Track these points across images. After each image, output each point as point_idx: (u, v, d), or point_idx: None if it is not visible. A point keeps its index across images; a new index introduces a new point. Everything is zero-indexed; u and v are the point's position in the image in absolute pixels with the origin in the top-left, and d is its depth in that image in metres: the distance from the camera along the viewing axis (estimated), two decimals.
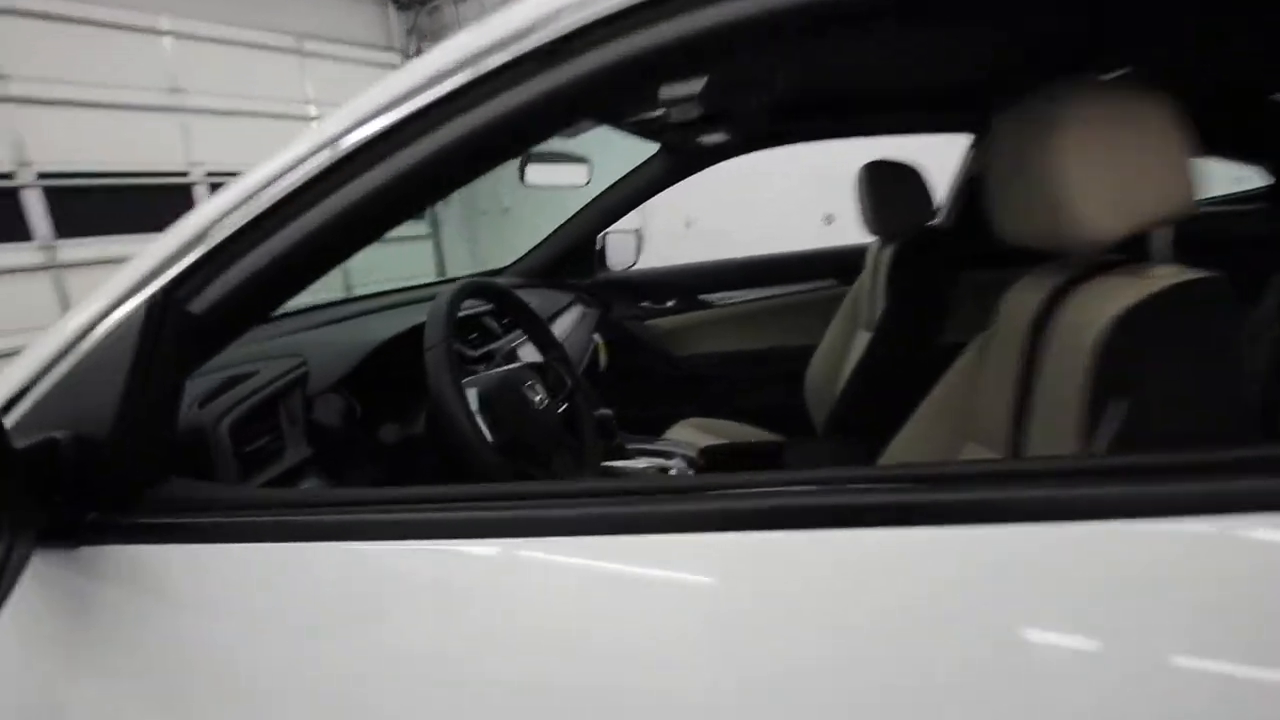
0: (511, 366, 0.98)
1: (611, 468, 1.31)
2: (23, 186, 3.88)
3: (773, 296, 2.00)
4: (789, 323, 2.01)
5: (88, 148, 4.06)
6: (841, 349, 1.66)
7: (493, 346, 1.20)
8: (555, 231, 1.98)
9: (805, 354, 1.74)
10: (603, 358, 1.90)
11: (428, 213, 6.02)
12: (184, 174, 4.55)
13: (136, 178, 4.31)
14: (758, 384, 2.01)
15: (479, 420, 0.79)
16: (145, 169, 4.32)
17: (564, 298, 1.88)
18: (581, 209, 1.95)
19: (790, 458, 1.31)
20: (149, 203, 4.24)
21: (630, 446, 1.40)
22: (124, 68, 4.21)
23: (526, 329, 1.09)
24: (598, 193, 1.94)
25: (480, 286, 0.94)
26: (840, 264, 1.97)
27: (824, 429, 1.46)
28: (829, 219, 4.69)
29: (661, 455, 1.37)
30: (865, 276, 1.61)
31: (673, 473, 1.28)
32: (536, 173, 1.45)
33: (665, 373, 2.05)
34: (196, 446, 0.66)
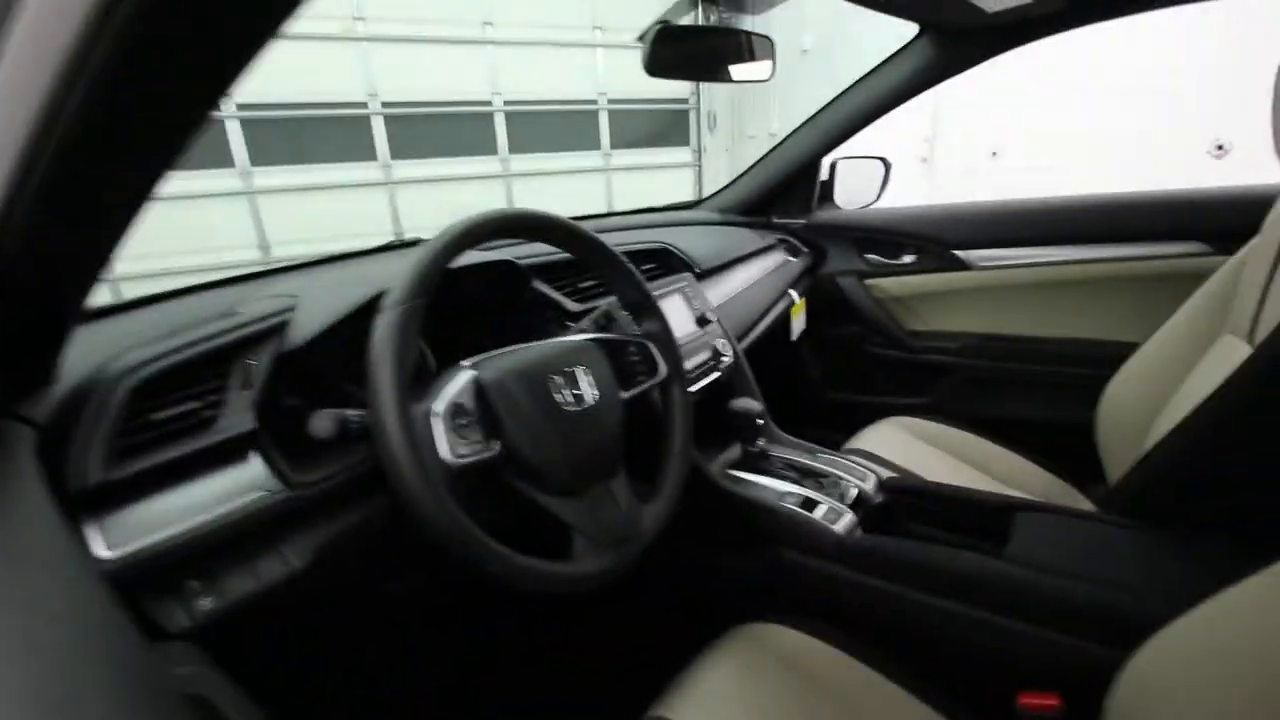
0: (562, 340, 0.69)
1: (735, 479, 0.96)
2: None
3: (1074, 262, 1.33)
4: (1093, 303, 1.33)
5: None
6: (1183, 360, 1.01)
7: (599, 304, 0.91)
8: (769, 154, 1.57)
9: (1112, 355, 1.12)
10: (796, 322, 1.49)
11: (692, 138, 5.81)
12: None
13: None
14: (1022, 387, 1.40)
15: (438, 426, 0.53)
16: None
17: (762, 240, 1.50)
18: (803, 124, 1.49)
19: (1026, 536, 0.80)
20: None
21: (778, 455, 1.02)
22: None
23: (608, 283, 0.77)
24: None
25: (509, 221, 0.64)
26: (1208, 217, 1.21)
27: (1123, 486, 0.88)
28: (1221, 149, 3.18)
29: (818, 477, 0.97)
30: (1261, 245, 0.92)
31: (819, 511, 0.89)
32: (690, 62, 1.03)
33: (882, 352, 1.55)
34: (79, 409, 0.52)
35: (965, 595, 0.75)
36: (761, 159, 1.57)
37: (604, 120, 5.30)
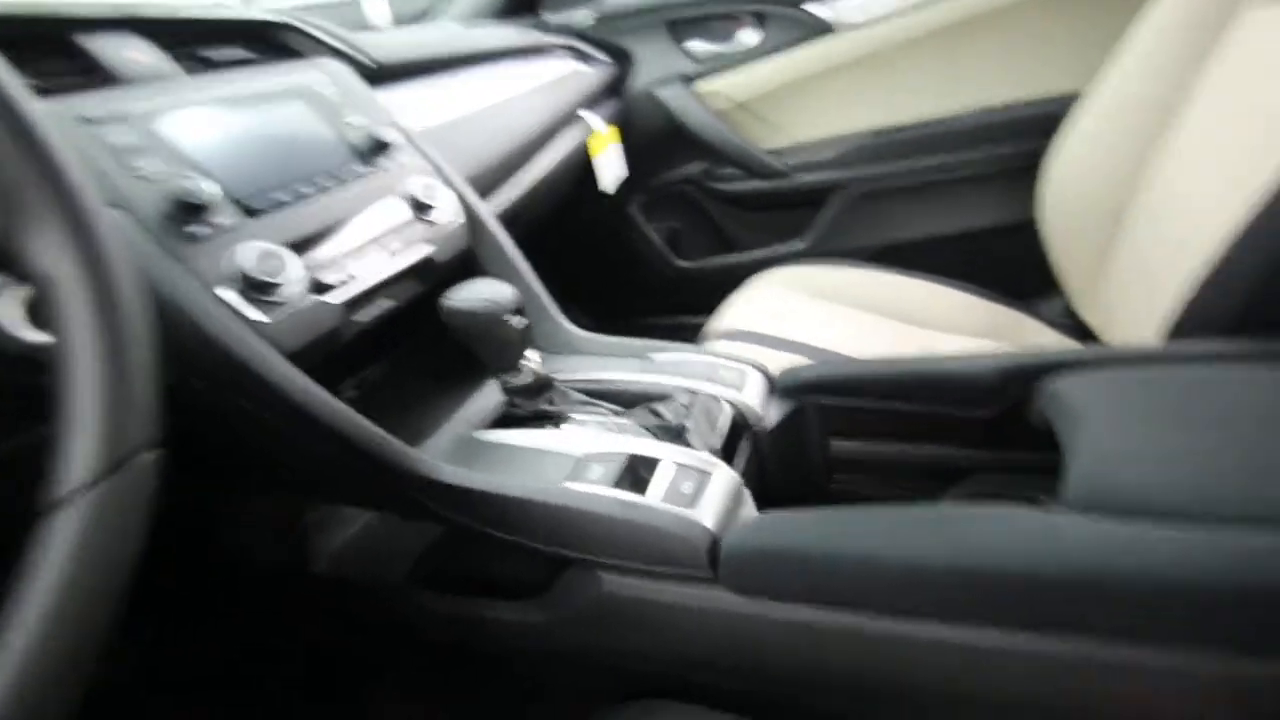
0: None
1: (488, 448, 0.47)
2: None
3: None
4: (1019, 45, 0.92)
5: None
6: (1171, 77, 0.63)
7: None
8: None
9: (1056, 118, 0.73)
10: (605, 161, 0.97)
11: None
12: None
13: None
14: (934, 193, 0.99)
15: None
16: None
17: (535, 42, 0.94)
18: None
19: (1099, 436, 0.36)
20: None
21: (570, 379, 0.53)
22: None
23: None
24: None
25: None
26: None
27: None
28: None
29: (653, 403, 0.49)
30: None
31: (660, 483, 0.41)
32: None
33: (737, 188, 1.07)
34: None
35: (1015, 617, 0.31)
36: None
37: None
